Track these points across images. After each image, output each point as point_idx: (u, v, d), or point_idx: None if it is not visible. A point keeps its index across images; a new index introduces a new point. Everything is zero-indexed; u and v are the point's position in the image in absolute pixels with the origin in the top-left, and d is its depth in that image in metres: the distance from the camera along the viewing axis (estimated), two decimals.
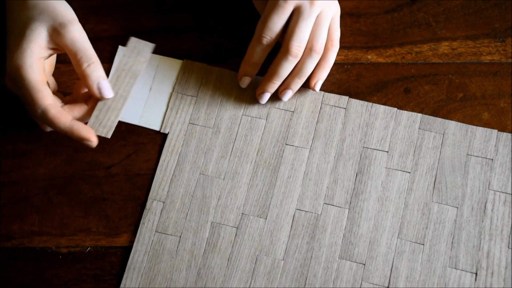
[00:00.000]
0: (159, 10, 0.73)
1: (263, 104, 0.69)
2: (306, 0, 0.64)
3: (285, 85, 0.68)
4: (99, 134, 0.64)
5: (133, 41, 0.67)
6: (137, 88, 0.70)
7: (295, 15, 0.64)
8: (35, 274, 0.64)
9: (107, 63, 0.71)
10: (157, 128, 0.68)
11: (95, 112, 0.65)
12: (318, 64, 0.68)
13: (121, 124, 0.69)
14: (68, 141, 0.68)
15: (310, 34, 0.65)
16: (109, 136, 0.65)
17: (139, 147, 0.68)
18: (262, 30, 0.65)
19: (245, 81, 0.69)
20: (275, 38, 0.66)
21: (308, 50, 0.65)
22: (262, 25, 0.65)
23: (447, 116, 0.68)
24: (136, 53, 0.66)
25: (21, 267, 0.64)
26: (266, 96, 0.68)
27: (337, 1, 0.68)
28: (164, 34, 0.72)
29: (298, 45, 0.64)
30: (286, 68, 0.66)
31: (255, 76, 0.69)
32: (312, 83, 0.68)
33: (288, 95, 0.68)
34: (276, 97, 0.69)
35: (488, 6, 0.72)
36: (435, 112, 0.68)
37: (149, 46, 0.67)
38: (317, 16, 0.65)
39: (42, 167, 0.67)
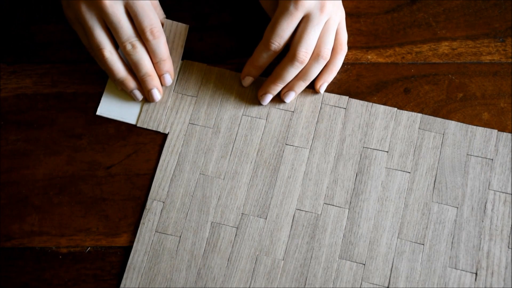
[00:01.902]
0: None
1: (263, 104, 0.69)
2: (316, 8, 0.64)
3: (288, 87, 0.68)
4: (150, 128, 0.68)
5: (168, 24, 0.69)
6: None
7: (304, 21, 0.65)
8: (35, 274, 0.64)
9: None
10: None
11: (145, 107, 0.69)
12: (326, 67, 0.68)
13: (121, 124, 0.69)
14: (68, 141, 0.68)
15: (318, 40, 0.66)
16: (160, 130, 0.68)
17: (139, 147, 0.68)
18: (270, 36, 0.65)
19: (247, 81, 0.69)
20: (283, 44, 0.66)
21: (315, 55, 0.66)
22: (271, 31, 0.65)
23: (447, 116, 0.68)
24: (173, 36, 0.69)
25: (21, 267, 0.64)
26: (268, 97, 0.68)
27: (342, 6, 0.68)
28: None
29: (305, 51, 0.65)
30: (291, 73, 0.66)
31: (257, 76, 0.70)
32: (318, 85, 0.68)
33: (290, 96, 0.68)
34: (276, 97, 0.69)
35: (488, 6, 0.72)
36: (435, 112, 0.68)
37: (184, 28, 0.70)
38: (325, 23, 0.65)
39: (42, 167, 0.67)
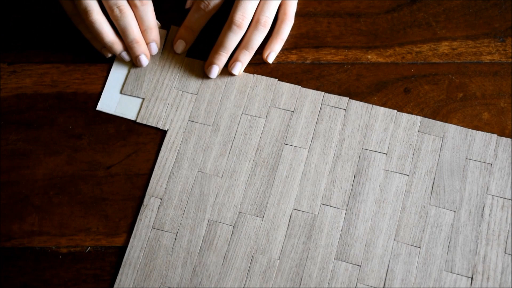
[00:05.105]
0: (159, 10, 0.72)
1: (263, 103, 0.69)
2: None
3: (234, 58, 0.69)
4: (150, 124, 0.69)
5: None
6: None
7: None
8: (35, 274, 0.64)
9: (107, 63, 0.71)
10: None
11: (145, 103, 0.69)
12: (271, 36, 0.70)
13: (121, 124, 0.69)
14: (68, 141, 0.69)
15: (258, 8, 0.67)
16: (160, 126, 0.68)
17: (139, 147, 0.68)
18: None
19: (179, 46, 0.71)
20: (213, 6, 0.68)
21: (254, 22, 0.67)
22: None
23: (447, 116, 0.67)
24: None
25: (21, 267, 0.65)
26: (214, 68, 0.69)
27: None
28: None
29: (241, 15, 0.66)
30: (231, 39, 0.68)
31: (191, 44, 0.72)
32: (265, 55, 0.70)
33: (237, 67, 0.69)
34: (276, 96, 0.68)
35: (488, 6, 0.71)
36: (435, 112, 0.67)
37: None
38: None
39: (42, 167, 0.68)
